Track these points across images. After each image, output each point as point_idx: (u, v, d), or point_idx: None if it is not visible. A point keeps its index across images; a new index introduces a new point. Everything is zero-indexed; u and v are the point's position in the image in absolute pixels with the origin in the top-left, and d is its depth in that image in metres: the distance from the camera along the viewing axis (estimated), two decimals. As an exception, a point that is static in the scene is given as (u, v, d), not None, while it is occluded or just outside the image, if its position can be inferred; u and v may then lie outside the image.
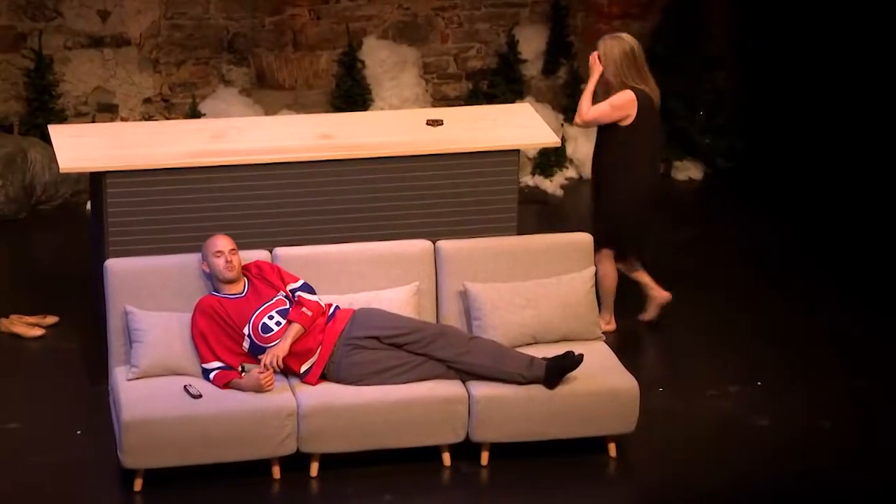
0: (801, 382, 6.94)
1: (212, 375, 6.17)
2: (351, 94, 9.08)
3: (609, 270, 7.15)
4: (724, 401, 6.77)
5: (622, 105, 6.93)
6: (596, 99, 7.01)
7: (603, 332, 6.65)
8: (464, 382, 6.25)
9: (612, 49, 6.93)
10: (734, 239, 8.47)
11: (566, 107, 9.27)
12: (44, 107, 8.78)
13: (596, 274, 6.88)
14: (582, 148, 9.04)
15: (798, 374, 7.02)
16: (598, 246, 6.90)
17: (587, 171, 8.07)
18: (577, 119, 7.02)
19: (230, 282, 6.24)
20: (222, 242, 6.26)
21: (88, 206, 8.12)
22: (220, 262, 6.21)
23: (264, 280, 6.31)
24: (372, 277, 6.46)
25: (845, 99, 9.05)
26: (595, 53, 7.00)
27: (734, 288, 7.87)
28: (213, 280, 6.29)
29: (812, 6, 9.12)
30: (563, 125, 9.25)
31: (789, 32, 9.26)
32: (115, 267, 6.33)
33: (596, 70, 6.98)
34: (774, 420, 6.63)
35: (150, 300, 6.28)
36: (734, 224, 8.67)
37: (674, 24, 9.28)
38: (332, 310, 6.30)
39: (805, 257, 8.25)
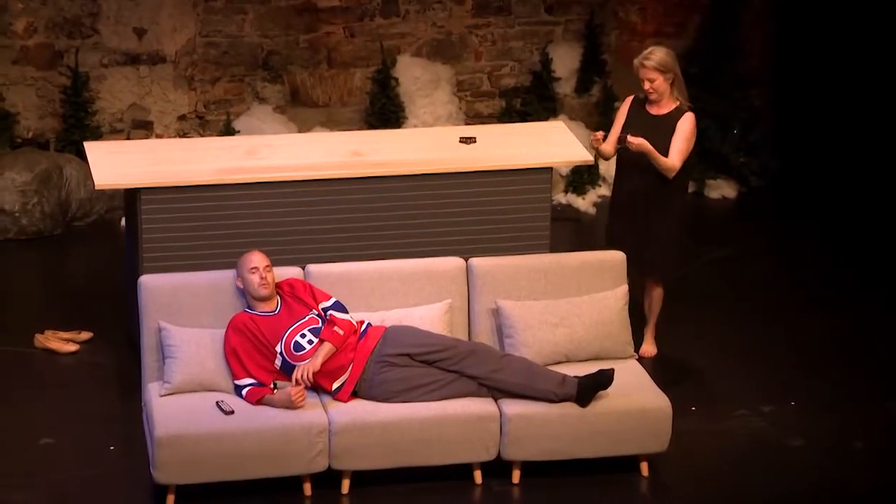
0: (834, 403, 6.89)
1: (244, 392, 6.17)
2: (384, 111, 9.10)
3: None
4: (757, 421, 6.74)
5: (694, 132, 6.76)
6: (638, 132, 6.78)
7: (642, 356, 6.57)
8: (495, 400, 6.23)
9: (666, 57, 6.71)
10: (767, 257, 8.44)
11: (599, 125, 9.25)
12: (80, 124, 8.84)
13: (651, 295, 6.87)
14: (614, 166, 9.01)
15: (831, 394, 6.97)
16: (664, 277, 6.86)
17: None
18: (671, 174, 6.71)
19: (264, 299, 6.25)
20: (257, 259, 6.27)
21: (123, 222, 8.17)
22: (254, 279, 6.22)
23: (297, 298, 6.32)
24: (404, 295, 6.46)
25: (879, 118, 9.00)
26: (630, 140, 6.70)
27: (767, 307, 7.83)
28: (247, 297, 6.30)
29: (847, 25, 9.09)
30: (595, 143, 9.24)
31: (824, 51, 9.23)
32: (149, 283, 6.35)
33: (643, 144, 6.70)
34: (807, 440, 6.59)
35: (184, 316, 6.30)
36: (768, 242, 8.64)
37: (708, 43, 9.26)
38: (363, 327, 6.30)
39: (839, 277, 8.20)
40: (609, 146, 6.88)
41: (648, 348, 7.11)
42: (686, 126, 6.74)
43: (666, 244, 6.90)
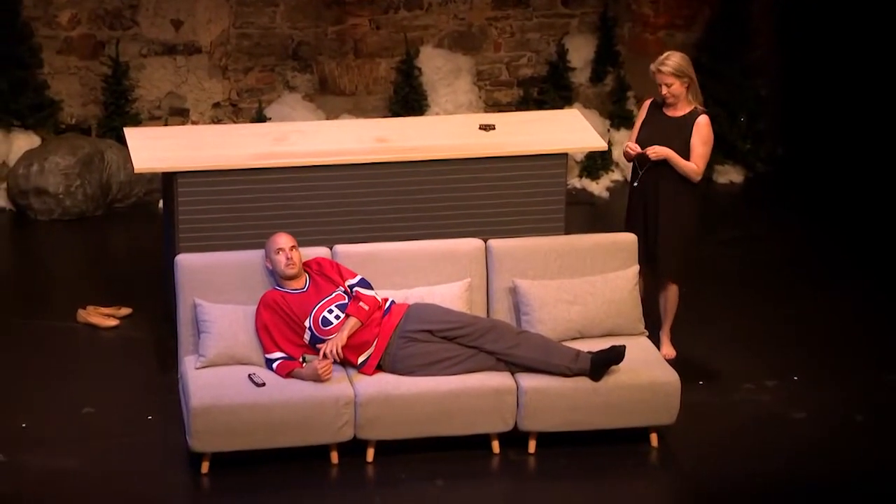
0: (836, 377, 6.88)
1: (274, 365, 6.19)
2: (408, 99, 9.09)
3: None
4: (762, 394, 6.73)
5: (711, 134, 6.66)
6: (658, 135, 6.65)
7: (665, 358, 6.50)
8: (513, 374, 6.24)
9: (682, 62, 6.58)
10: (772, 240, 8.41)
11: (612, 113, 9.23)
12: (120, 110, 8.86)
13: (666, 296, 6.81)
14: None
15: (833, 369, 6.96)
16: (676, 278, 6.75)
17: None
18: (697, 177, 6.63)
19: (291, 278, 6.27)
20: (283, 240, 6.29)
21: (160, 204, 8.19)
22: (281, 259, 6.24)
23: (324, 276, 6.33)
24: (426, 274, 6.47)
25: (884, 106, 8.95)
26: (652, 151, 6.58)
27: (772, 286, 7.81)
28: (276, 276, 6.31)
29: (852, 15, 9.04)
30: (609, 130, 9.21)
31: (830, 41, 9.18)
32: (185, 262, 6.37)
33: (663, 152, 6.60)
34: (810, 413, 6.58)
35: (218, 293, 6.32)
36: (773, 226, 8.61)
37: (717, 34, 9.22)
38: (388, 304, 6.31)
39: (841, 258, 8.18)
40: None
41: (668, 351, 6.90)
42: (704, 130, 6.63)
43: (677, 246, 6.75)
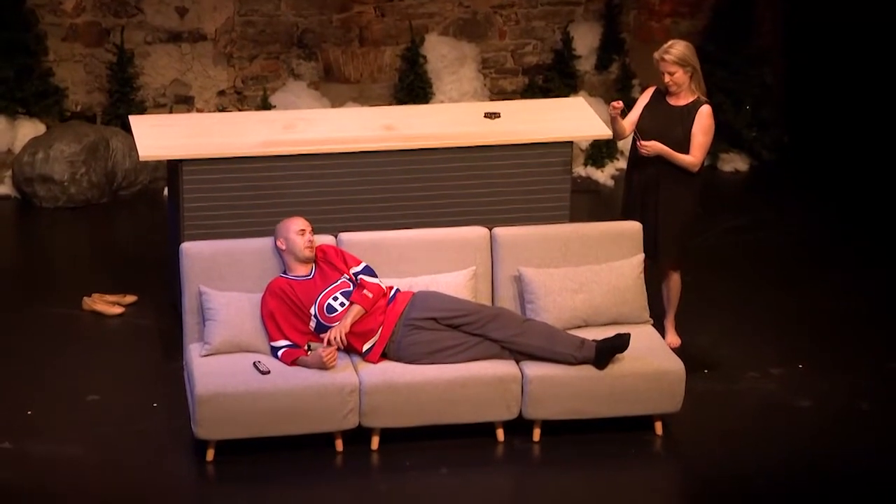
0: (841, 365, 6.87)
1: (280, 353, 6.19)
2: (413, 87, 9.07)
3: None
4: (767, 382, 6.72)
5: (712, 125, 6.62)
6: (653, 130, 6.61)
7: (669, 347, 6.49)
8: (517, 362, 6.23)
9: (686, 51, 6.54)
10: (778, 228, 8.40)
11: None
12: (125, 98, 8.85)
13: (668, 284, 6.81)
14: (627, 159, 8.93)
15: (838, 357, 6.95)
16: (674, 265, 6.75)
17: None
18: (695, 169, 6.59)
19: (307, 261, 6.26)
20: (304, 222, 6.28)
21: (166, 192, 8.18)
22: (303, 240, 6.23)
23: (329, 264, 6.32)
24: (431, 262, 6.46)
25: (889, 94, 8.93)
26: (644, 145, 6.55)
27: (776, 275, 7.80)
28: (286, 259, 6.30)
29: (857, 2, 9.00)
30: (614, 118, 9.19)
31: (835, 28, 9.15)
32: (191, 250, 6.37)
33: (656, 147, 6.57)
34: (815, 401, 6.57)
35: (223, 281, 6.31)
36: (778, 213, 8.59)
37: (723, 21, 9.20)
38: (392, 292, 6.31)
39: (846, 245, 8.16)
40: (627, 124, 6.79)
41: (673, 339, 6.90)
42: (705, 121, 6.60)
43: (678, 236, 6.73)
